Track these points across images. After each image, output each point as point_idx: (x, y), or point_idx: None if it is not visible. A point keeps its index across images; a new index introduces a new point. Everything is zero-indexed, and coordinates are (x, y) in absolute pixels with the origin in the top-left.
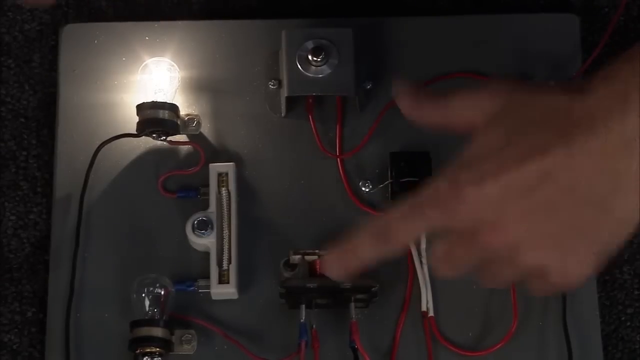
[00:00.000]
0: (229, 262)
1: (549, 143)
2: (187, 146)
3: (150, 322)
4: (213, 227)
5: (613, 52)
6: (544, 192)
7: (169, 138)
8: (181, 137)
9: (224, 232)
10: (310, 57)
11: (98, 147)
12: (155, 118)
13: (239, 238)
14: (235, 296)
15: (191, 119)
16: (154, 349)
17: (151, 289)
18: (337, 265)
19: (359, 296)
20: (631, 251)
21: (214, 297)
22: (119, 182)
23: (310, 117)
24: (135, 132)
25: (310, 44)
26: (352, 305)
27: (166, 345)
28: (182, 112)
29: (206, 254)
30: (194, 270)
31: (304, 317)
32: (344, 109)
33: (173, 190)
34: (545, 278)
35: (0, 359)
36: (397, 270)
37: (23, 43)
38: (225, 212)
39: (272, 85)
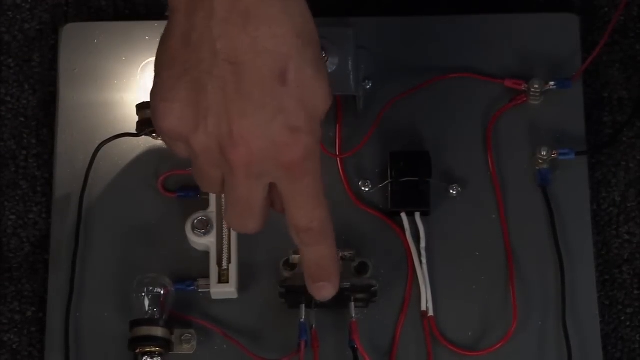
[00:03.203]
0: (229, 261)
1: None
2: None
3: (150, 321)
4: (213, 227)
5: (613, 52)
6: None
7: None
8: None
9: (224, 231)
10: None
11: (98, 147)
12: None
13: (239, 237)
14: (235, 296)
15: None
16: (153, 349)
17: (151, 288)
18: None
19: (359, 296)
20: (631, 251)
21: (213, 297)
22: (119, 181)
23: None
24: (135, 132)
25: None
26: (352, 305)
27: (166, 344)
28: None
29: (206, 254)
30: (193, 269)
31: (303, 317)
32: (344, 109)
33: (173, 190)
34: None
35: (0, 358)
36: (397, 270)
37: (23, 42)
38: None
39: None
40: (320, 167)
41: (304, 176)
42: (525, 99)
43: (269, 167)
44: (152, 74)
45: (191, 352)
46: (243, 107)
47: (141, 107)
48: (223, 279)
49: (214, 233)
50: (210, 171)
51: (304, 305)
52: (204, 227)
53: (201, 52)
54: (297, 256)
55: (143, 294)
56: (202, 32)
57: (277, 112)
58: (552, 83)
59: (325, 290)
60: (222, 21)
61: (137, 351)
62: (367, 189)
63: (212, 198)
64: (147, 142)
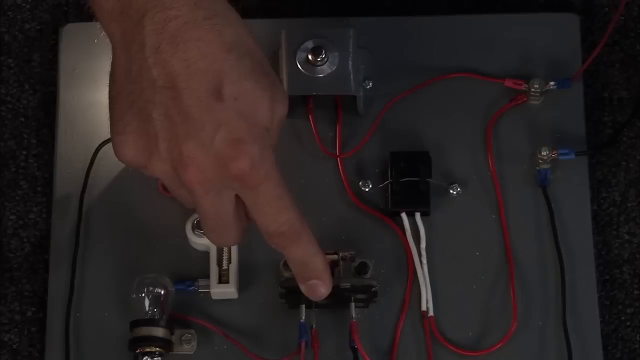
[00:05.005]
0: (229, 261)
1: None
2: None
3: (150, 321)
4: None
5: (613, 52)
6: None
7: None
8: None
9: None
10: (310, 56)
11: (98, 147)
12: None
13: None
14: (235, 296)
15: None
16: (153, 349)
17: (151, 288)
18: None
19: (359, 296)
20: (631, 251)
21: (214, 297)
22: (119, 182)
23: (310, 117)
24: None
25: (310, 44)
26: (352, 305)
27: (166, 345)
28: None
29: (206, 254)
30: (194, 270)
31: (304, 317)
32: (343, 109)
33: None
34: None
35: (0, 358)
36: (397, 270)
37: (23, 42)
38: None
39: None
40: (277, 171)
41: (259, 184)
42: (525, 99)
43: (222, 181)
44: None
45: (191, 353)
46: (186, 129)
47: None
48: (223, 279)
49: None
50: (177, 191)
51: (304, 305)
52: None
53: (142, 82)
54: None
55: (143, 294)
56: (139, 64)
57: (217, 128)
58: (552, 83)
59: (317, 289)
60: (153, 50)
61: (137, 351)
62: (367, 189)
63: None
64: None
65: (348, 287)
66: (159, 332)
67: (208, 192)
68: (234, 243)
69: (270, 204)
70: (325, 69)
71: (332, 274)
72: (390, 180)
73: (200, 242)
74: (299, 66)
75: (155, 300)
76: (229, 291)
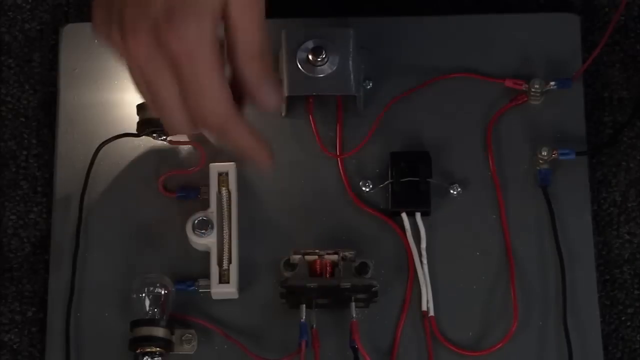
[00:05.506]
0: (229, 261)
1: None
2: (187, 146)
3: (151, 321)
4: (213, 227)
5: (613, 52)
6: None
7: (169, 138)
8: (181, 137)
9: (224, 231)
10: (310, 57)
11: (98, 147)
12: (156, 118)
13: (239, 238)
14: (236, 296)
15: None
16: (154, 349)
17: (151, 288)
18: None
19: (359, 296)
20: (631, 251)
21: (214, 297)
22: (119, 182)
23: (310, 117)
24: (136, 132)
25: (310, 44)
26: (352, 305)
27: (166, 344)
28: None
29: (206, 254)
30: (194, 270)
31: (304, 317)
32: (344, 109)
33: (173, 190)
34: None
35: (0, 358)
36: (398, 270)
37: (23, 43)
38: (226, 211)
39: None
40: (209, 47)
41: (191, 59)
42: (525, 99)
43: (159, 53)
44: None
45: (192, 352)
46: None
47: (141, 108)
48: (224, 279)
49: (214, 233)
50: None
51: (304, 305)
52: (204, 227)
53: None
54: (297, 256)
55: (143, 294)
56: None
57: None
58: (552, 83)
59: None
60: None
61: (137, 351)
62: (367, 189)
63: (213, 198)
64: (147, 142)
65: (348, 287)
66: (159, 332)
67: (149, 63)
68: (183, 130)
69: (199, 82)
70: (325, 69)
71: (333, 274)
72: (390, 181)
73: (200, 242)
74: (299, 66)
75: (156, 300)
76: (229, 291)
